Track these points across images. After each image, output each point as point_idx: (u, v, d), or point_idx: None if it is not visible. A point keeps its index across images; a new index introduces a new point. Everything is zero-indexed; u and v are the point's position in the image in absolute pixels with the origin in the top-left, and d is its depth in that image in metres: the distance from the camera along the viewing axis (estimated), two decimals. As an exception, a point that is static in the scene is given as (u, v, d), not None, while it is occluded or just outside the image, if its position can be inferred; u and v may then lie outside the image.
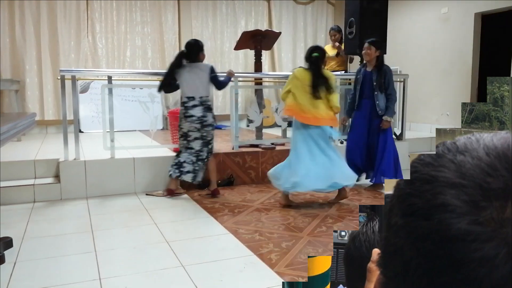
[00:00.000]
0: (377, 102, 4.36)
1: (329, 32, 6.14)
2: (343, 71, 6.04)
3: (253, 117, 5.20)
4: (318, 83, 3.71)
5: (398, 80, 6.33)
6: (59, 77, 4.43)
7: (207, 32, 8.07)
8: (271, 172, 3.97)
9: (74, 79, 4.40)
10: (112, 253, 2.85)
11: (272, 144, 5.18)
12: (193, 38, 4.57)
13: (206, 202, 4.11)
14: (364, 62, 4.55)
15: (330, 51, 6.05)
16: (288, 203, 3.93)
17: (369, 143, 4.48)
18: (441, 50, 6.74)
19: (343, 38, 5.84)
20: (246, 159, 4.88)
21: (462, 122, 6.16)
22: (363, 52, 4.38)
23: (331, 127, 3.87)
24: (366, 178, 4.65)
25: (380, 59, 4.41)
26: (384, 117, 4.37)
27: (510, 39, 5.82)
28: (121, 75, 6.24)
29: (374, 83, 4.36)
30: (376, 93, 4.36)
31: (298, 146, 3.78)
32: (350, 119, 4.72)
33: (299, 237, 3.12)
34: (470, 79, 6.29)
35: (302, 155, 3.74)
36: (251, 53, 5.96)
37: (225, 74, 4.34)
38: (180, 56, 4.12)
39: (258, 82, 5.94)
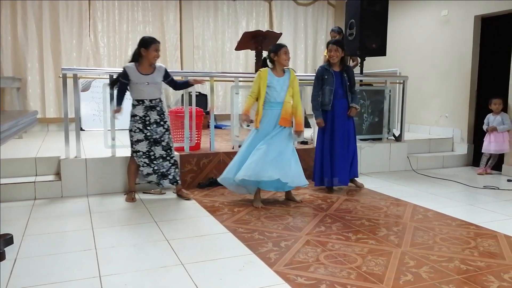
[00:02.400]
0: (351, 101, 4.44)
1: (330, 33, 6.16)
2: None
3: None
4: None
5: (398, 81, 6.36)
6: (60, 75, 4.46)
7: (208, 32, 8.09)
8: None
9: (75, 78, 4.42)
10: (112, 250, 2.87)
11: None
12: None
13: (206, 201, 4.13)
14: (326, 63, 4.54)
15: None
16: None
17: (337, 144, 4.41)
18: (441, 52, 6.76)
19: (344, 39, 5.85)
20: (246, 159, 4.89)
21: None
22: (331, 53, 4.39)
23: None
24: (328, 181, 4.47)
25: (343, 60, 4.47)
26: (354, 105, 4.45)
27: (509, 42, 5.83)
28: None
29: (348, 83, 4.43)
30: (349, 93, 4.45)
31: None
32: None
33: (298, 237, 3.14)
34: (470, 81, 6.30)
35: None
36: (251, 53, 5.99)
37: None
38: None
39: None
